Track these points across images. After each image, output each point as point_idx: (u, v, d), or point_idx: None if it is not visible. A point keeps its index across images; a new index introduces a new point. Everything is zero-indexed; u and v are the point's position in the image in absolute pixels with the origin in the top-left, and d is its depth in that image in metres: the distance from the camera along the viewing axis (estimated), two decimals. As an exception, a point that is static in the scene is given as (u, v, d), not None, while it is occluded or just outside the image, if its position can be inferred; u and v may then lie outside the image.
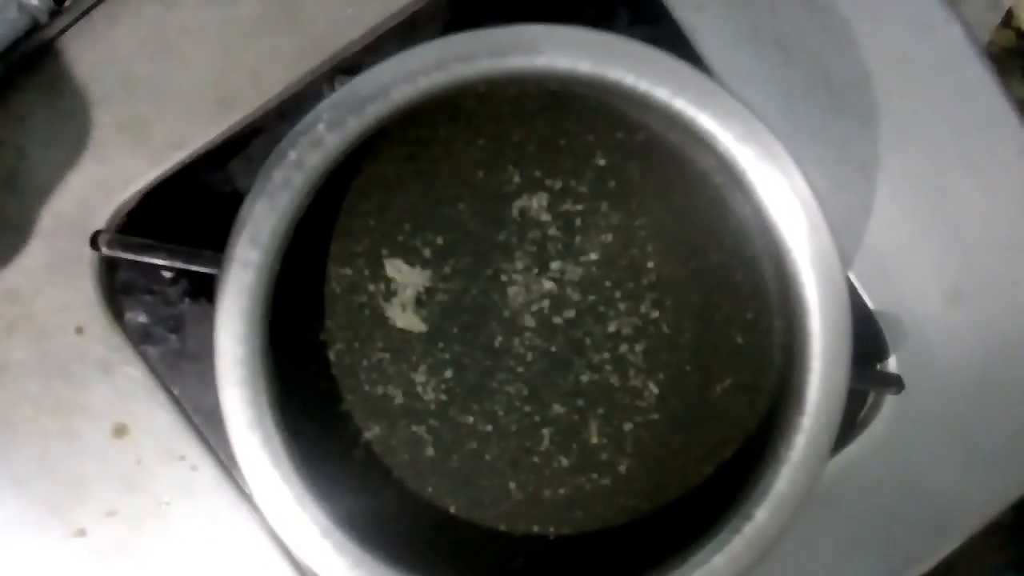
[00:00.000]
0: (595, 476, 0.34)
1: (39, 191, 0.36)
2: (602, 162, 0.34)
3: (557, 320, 0.34)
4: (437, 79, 0.30)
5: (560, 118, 0.33)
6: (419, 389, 0.34)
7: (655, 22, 0.38)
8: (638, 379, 0.34)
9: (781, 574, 0.38)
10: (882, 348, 0.39)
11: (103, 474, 0.37)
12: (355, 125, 0.30)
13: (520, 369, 0.34)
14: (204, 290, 0.38)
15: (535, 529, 0.34)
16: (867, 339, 0.38)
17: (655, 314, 0.34)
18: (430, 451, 0.34)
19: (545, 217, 0.34)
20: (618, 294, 0.34)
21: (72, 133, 0.36)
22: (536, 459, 0.34)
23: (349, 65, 0.37)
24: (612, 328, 0.34)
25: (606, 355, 0.34)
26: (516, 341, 0.34)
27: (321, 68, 0.37)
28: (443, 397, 0.34)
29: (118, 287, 0.37)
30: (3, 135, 0.36)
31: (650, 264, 0.34)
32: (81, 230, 0.36)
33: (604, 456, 0.34)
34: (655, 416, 0.34)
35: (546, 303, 0.34)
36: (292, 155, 0.30)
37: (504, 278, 0.34)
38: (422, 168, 0.33)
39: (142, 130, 0.36)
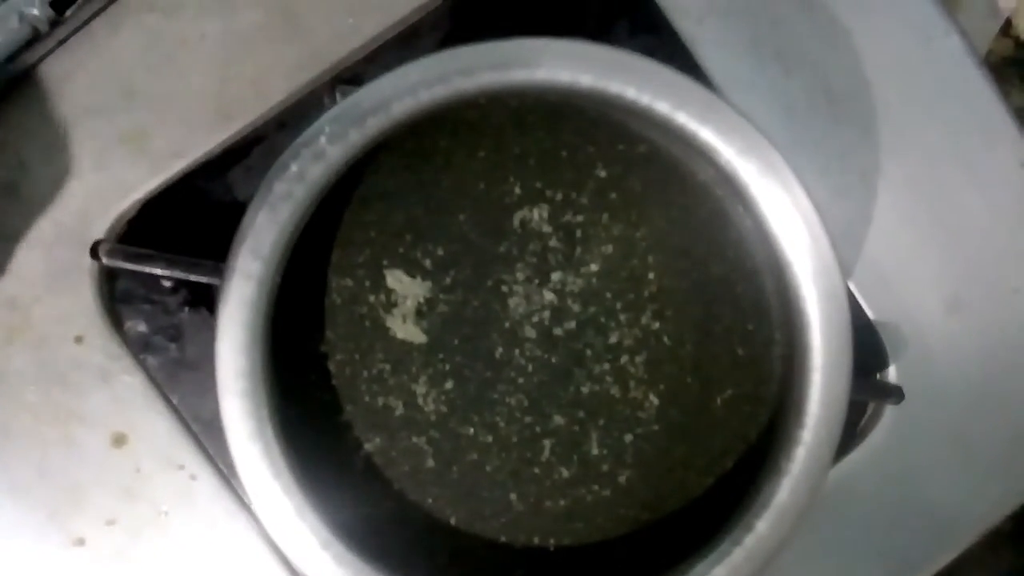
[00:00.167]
0: (596, 487, 0.34)
1: (39, 200, 0.36)
2: (603, 174, 0.34)
3: (558, 331, 0.34)
4: (438, 92, 0.30)
5: (561, 130, 0.33)
6: (419, 400, 0.34)
7: (655, 33, 0.38)
8: (639, 390, 0.34)
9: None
10: (882, 357, 0.39)
11: (102, 483, 0.37)
12: (357, 137, 0.30)
13: (521, 380, 0.34)
14: (204, 299, 0.38)
15: (536, 540, 0.34)
16: (867, 348, 0.38)
17: (656, 325, 0.34)
18: (430, 462, 0.34)
19: (546, 228, 0.34)
20: (619, 305, 0.34)
21: (72, 142, 0.36)
22: (537, 470, 0.34)
23: (350, 75, 0.37)
24: (613, 339, 0.34)
25: (607, 366, 0.34)
26: (517, 352, 0.34)
27: (322, 78, 0.37)
28: (443, 408, 0.34)
29: (118, 296, 0.37)
30: (4, 144, 0.36)
31: (651, 276, 0.34)
32: (81, 239, 0.36)
33: (605, 467, 0.34)
34: (656, 427, 0.34)
35: (547, 314, 0.34)
36: (294, 167, 0.30)
37: (505, 289, 0.34)
38: (423, 179, 0.33)
39: (142, 139, 0.36)
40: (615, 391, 0.34)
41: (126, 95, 0.36)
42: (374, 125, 0.30)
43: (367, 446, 0.34)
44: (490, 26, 0.38)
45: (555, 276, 0.34)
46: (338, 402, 0.33)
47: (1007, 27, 0.58)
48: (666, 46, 0.37)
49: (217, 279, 0.31)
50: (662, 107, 0.30)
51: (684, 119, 0.30)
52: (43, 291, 0.36)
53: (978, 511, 0.40)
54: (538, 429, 0.34)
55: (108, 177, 0.36)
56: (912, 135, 0.39)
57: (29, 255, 0.36)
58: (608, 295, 0.34)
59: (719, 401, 0.34)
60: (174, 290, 0.38)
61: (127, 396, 0.37)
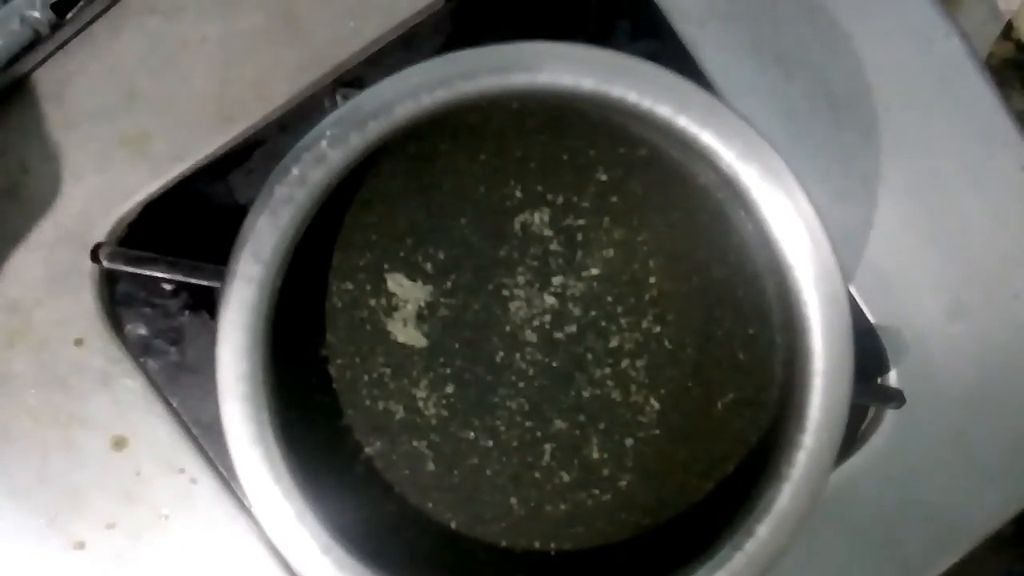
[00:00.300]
0: (596, 492, 0.34)
1: (40, 203, 0.36)
2: (604, 177, 0.34)
3: (558, 335, 0.34)
4: (440, 96, 0.30)
5: (562, 133, 0.33)
6: (420, 404, 0.34)
7: (657, 36, 0.38)
8: (640, 394, 0.34)
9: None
10: (883, 362, 0.39)
11: (102, 486, 0.37)
12: (358, 141, 0.30)
13: (521, 384, 0.34)
14: (204, 302, 0.38)
15: (536, 545, 0.34)
16: (868, 353, 0.38)
17: (657, 329, 0.34)
18: (431, 466, 0.34)
19: (547, 232, 0.34)
20: (620, 309, 0.34)
21: (73, 145, 0.36)
22: (537, 474, 0.34)
23: (351, 78, 0.37)
24: (614, 343, 0.34)
25: (607, 370, 0.34)
26: (517, 356, 0.34)
27: (323, 80, 0.36)
28: (444, 412, 0.34)
29: (118, 299, 0.37)
30: (5, 147, 0.36)
31: (652, 279, 0.34)
32: (82, 242, 0.36)
33: (605, 471, 0.34)
34: (656, 431, 0.34)
35: (548, 318, 0.34)
36: (295, 171, 0.30)
37: (506, 293, 0.34)
38: (424, 183, 0.33)
39: (143, 142, 0.36)
40: (616, 395, 0.34)
41: (127, 98, 0.36)
42: (375, 129, 0.30)
43: (368, 450, 0.34)
44: (491, 29, 0.38)
45: (556, 280, 0.34)
46: (339, 406, 0.33)
47: (1008, 30, 0.58)
48: (667, 50, 0.38)
49: (218, 282, 0.31)
50: (663, 111, 0.30)
51: (685, 123, 0.30)
52: (44, 294, 0.36)
53: (979, 515, 0.40)
54: (539, 433, 0.34)
55: (109, 180, 0.36)
56: (913, 138, 0.39)
57: (30, 258, 0.36)
58: (609, 299, 0.34)
59: (720, 405, 0.34)
60: (175, 293, 0.38)
61: (127, 399, 0.37)
